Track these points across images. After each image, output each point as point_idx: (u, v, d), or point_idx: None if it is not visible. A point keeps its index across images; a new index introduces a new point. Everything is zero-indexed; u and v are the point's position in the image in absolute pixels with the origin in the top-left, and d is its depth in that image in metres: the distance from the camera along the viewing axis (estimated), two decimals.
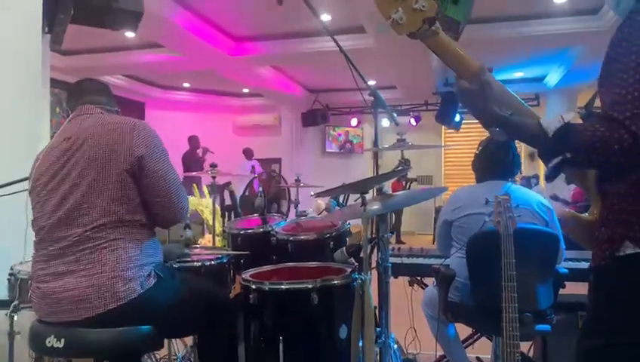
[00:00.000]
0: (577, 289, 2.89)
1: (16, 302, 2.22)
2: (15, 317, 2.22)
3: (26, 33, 3.26)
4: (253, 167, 9.35)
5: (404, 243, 10.85)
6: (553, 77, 9.71)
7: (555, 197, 8.38)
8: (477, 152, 2.81)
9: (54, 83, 5.09)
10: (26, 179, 2.22)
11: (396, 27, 1.32)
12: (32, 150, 3.08)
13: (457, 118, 9.85)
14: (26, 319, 2.06)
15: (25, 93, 3.24)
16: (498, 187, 2.58)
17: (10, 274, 2.32)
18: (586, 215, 1.46)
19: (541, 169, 11.69)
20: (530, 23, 6.89)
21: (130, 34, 6.71)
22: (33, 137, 3.24)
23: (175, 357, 2.89)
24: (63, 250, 1.74)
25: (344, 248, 2.07)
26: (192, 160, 9.48)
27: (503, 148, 2.66)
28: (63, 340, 1.69)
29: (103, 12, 3.79)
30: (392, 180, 8.32)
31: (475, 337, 3.15)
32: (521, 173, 2.83)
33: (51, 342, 1.69)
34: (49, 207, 1.79)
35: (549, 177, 1.20)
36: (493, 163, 2.72)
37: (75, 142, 1.80)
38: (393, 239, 11.04)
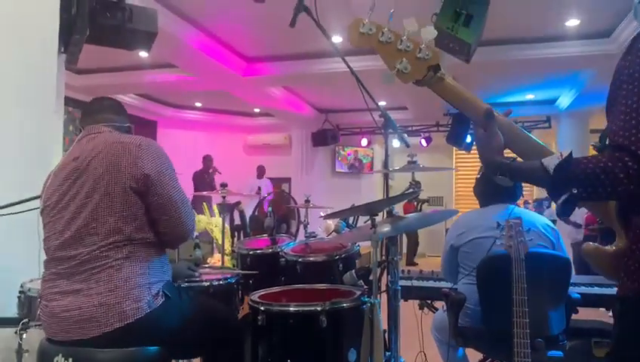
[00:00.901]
0: (590, 314, 2.85)
1: (25, 320, 2.22)
2: (24, 335, 2.21)
3: (43, 52, 3.31)
4: (259, 188, 9.38)
5: (417, 264, 10.79)
6: (565, 99, 9.69)
7: (566, 219, 8.28)
8: (477, 177, 2.81)
9: (68, 101, 5.15)
10: (38, 197, 2.24)
11: (402, 76, 1.36)
12: (46, 168, 3.10)
13: (468, 139, 9.83)
14: (34, 337, 2.06)
15: (40, 111, 3.29)
16: (502, 210, 2.57)
17: (21, 292, 2.33)
18: (609, 247, 1.44)
19: None
20: (542, 45, 6.90)
21: (143, 54, 6.80)
22: (47, 155, 3.27)
23: None
24: (71, 268, 1.75)
25: (353, 270, 2.05)
26: (202, 179, 9.55)
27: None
28: (70, 360, 1.68)
29: (117, 32, 3.86)
30: (403, 202, 8.30)
31: None
32: (523, 197, 2.83)
33: (59, 361, 1.69)
34: (59, 227, 1.80)
35: (560, 214, 1.19)
36: (494, 187, 2.71)
37: (82, 161, 1.81)
38: (404, 261, 11.03)
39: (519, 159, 1.32)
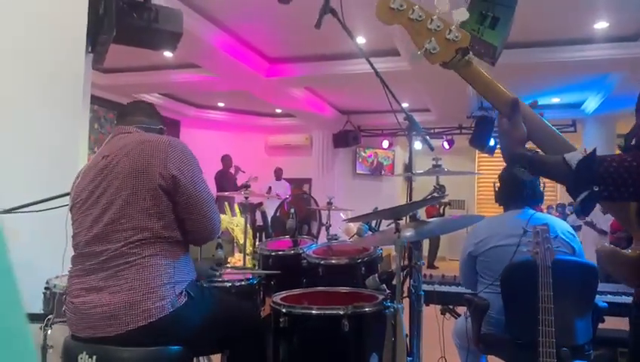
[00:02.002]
0: (617, 324, 2.78)
1: (50, 316, 2.25)
2: (49, 331, 2.24)
3: (71, 52, 3.36)
4: (270, 188, 9.39)
5: (437, 267, 10.72)
6: (591, 103, 9.52)
7: (591, 225, 8.14)
8: (495, 184, 2.78)
9: (93, 100, 5.23)
10: (64, 195, 2.27)
11: (429, 57, 1.33)
12: (71, 166, 3.16)
13: (492, 142, 9.72)
14: (59, 333, 2.08)
15: (67, 109, 3.33)
16: (521, 216, 2.53)
17: (46, 288, 2.36)
18: (627, 251, 1.40)
19: None
20: (570, 48, 6.79)
21: (168, 53, 6.87)
22: (72, 153, 3.31)
23: None
24: (98, 265, 1.77)
25: (376, 275, 2.04)
26: (225, 179, 9.59)
27: (515, 177, 2.63)
28: (94, 357, 1.70)
29: (143, 32, 3.90)
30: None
31: None
32: (541, 204, 2.78)
33: (83, 358, 1.70)
34: (87, 223, 1.82)
35: (579, 213, 1.15)
36: (514, 193, 2.67)
37: (112, 159, 1.83)
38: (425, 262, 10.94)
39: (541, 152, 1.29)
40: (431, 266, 10.85)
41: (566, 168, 1.13)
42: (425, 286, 2.84)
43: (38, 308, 2.41)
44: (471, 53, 1.31)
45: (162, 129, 2.08)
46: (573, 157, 1.12)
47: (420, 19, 1.32)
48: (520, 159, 1.23)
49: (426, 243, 11.38)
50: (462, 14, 1.30)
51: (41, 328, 2.24)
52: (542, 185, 2.74)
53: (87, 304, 1.74)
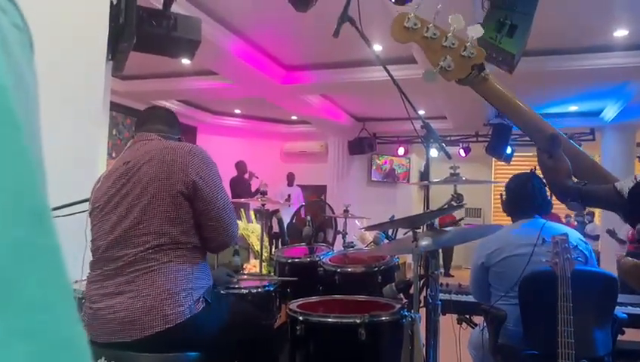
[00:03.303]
0: (637, 336, 2.74)
1: None
2: None
3: (92, 60, 3.41)
4: (289, 195, 9.38)
5: (452, 276, 10.65)
6: (610, 111, 9.41)
7: (612, 233, 8.03)
8: (501, 195, 2.76)
9: (112, 106, 5.29)
10: (84, 200, 2.30)
11: (445, 74, 1.33)
12: (91, 171, 3.19)
13: (509, 150, 9.65)
14: None
15: (86, 116, 3.38)
16: (532, 226, 2.50)
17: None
18: None
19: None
20: (589, 56, 6.72)
21: (186, 61, 6.94)
22: (92, 158, 3.35)
23: None
24: (117, 270, 1.78)
25: (393, 284, 2.03)
26: (240, 185, 9.63)
27: (527, 186, 2.60)
28: None
29: (162, 40, 3.95)
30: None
31: None
32: (549, 213, 2.75)
33: None
34: (106, 228, 1.84)
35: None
36: (521, 202, 2.64)
37: (133, 165, 1.85)
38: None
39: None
40: (447, 275, 10.78)
41: (618, 197, 1.12)
42: (441, 296, 2.81)
43: None
44: (487, 70, 1.31)
45: (181, 138, 2.10)
46: (624, 186, 1.11)
47: (435, 37, 1.33)
48: (572, 193, 1.22)
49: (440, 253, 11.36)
50: (477, 31, 1.30)
51: None
52: (550, 193, 2.71)
53: (106, 309, 1.75)
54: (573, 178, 1.26)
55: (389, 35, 1.43)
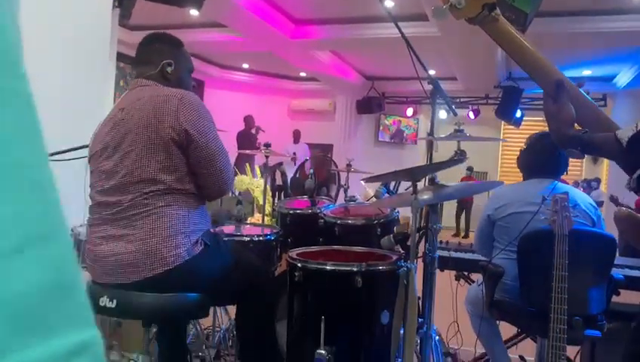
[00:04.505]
0: (634, 298, 2.78)
1: None
2: None
3: (97, 7, 3.37)
4: (294, 153, 9.38)
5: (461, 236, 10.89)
6: (624, 77, 9.25)
7: (614, 200, 8.03)
8: (522, 150, 2.73)
9: (120, 57, 5.25)
10: (84, 146, 2.31)
11: (455, 11, 1.30)
12: (97, 120, 3.19)
13: (518, 113, 9.56)
14: (83, 278, 2.16)
15: (93, 65, 3.37)
16: (544, 185, 2.50)
17: (71, 236, 2.44)
18: None
19: (603, 173, 11.22)
20: (605, 18, 6.57)
21: (194, 12, 6.84)
22: (98, 107, 3.36)
23: (219, 329, 2.97)
24: (115, 214, 1.81)
25: (391, 235, 2.06)
26: (246, 138, 9.64)
27: (550, 147, 2.57)
28: (115, 301, 1.76)
29: None
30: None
31: (520, 337, 3.08)
32: (567, 173, 2.73)
33: (104, 301, 1.77)
34: (103, 174, 1.85)
35: (635, 190, 1.14)
36: (540, 161, 2.63)
37: (128, 112, 1.84)
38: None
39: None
40: (466, 236, 11.02)
41: (618, 145, 1.12)
42: (440, 252, 2.85)
43: None
44: (497, 9, 1.29)
45: (181, 68, 2.02)
46: (624, 134, 1.10)
47: None
48: (572, 141, 1.21)
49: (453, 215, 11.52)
50: None
51: None
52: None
53: (106, 252, 1.79)
54: (577, 126, 1.26)
55: None
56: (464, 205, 11.53)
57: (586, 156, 1.34)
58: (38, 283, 0.26)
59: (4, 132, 0.27)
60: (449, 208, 11.50)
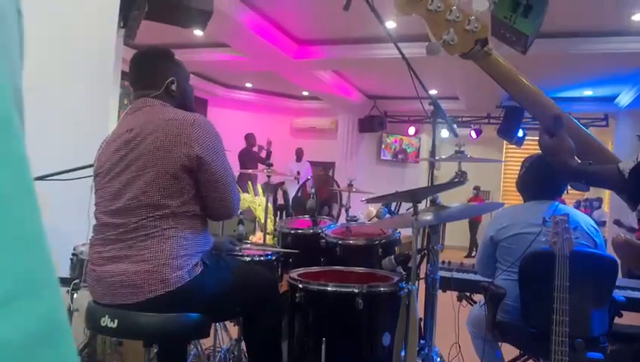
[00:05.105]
0: (637, 320, 2.76)
1: (76, 281, 2.34)
2: (75, 295, 2.33)
3: (102, 27, 3.42)
4: (298, 172, 9.40)
5: (473, 256, 10.81)
6: (625, 97, 9.28)
7: (618, 223, 8.00)
8: (520, 173, 2.74)
9: (124, 75, 5.29)
10: (89, 166, 2.33)
11: (448, 47, 1.32)
12: (101, 138, 3.22)
13: (520, 133, 9.58)
14: (84, 298, 2.16)
15: (97, 84, 3.40)
16: (547, 206, 2.51)
17: (73, 255, 2.45)
18: None
19: (605, 192, 11.20)
20: (605, 39, 6.61)
21: (198, 32, 6.92)
22: (102, 126, 3.38)
23: (220, 349, 2.96)
24: (119, 235, 1.82)
25: (393, 256, 2.06)
26: (248, 157, 9.66)
27: (547, 169, 2.58)
28: (116, 321, 1.76)
29: (175, 10, 3.94)
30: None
31: (523, 359, 3.06)
32: (567, 193, 2.74)
33: (105, 321, 1.77)
34: (109, 195, 1.86)
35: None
36: (538, 183, 2.64)
37: (137, 135, 1.84)
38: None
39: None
40: (469, 256, 10.97)
41: (620, 177, 1.12)
42: (442, 273, 2.85)
43: (65, 272, 2.50)
44: (489, 45, 1.31)
45: (180, 78, 2.03)
46: (627, 166, 1.11)
47: (439, 9, 1.32)
48: (577, 174, 1.22)
49: (467, 234, 11.47)
50: (481, 4, 1.30)
51: (67, 291, 2.33)
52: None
53: (109, 273, 1.79)
54: (577, 159, 1.26)
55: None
56: (474, 224, 11.46)
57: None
58: (24, 332, 0.27)
59: (3, 190, 0.28)
60: (464, 228, 11.51)
